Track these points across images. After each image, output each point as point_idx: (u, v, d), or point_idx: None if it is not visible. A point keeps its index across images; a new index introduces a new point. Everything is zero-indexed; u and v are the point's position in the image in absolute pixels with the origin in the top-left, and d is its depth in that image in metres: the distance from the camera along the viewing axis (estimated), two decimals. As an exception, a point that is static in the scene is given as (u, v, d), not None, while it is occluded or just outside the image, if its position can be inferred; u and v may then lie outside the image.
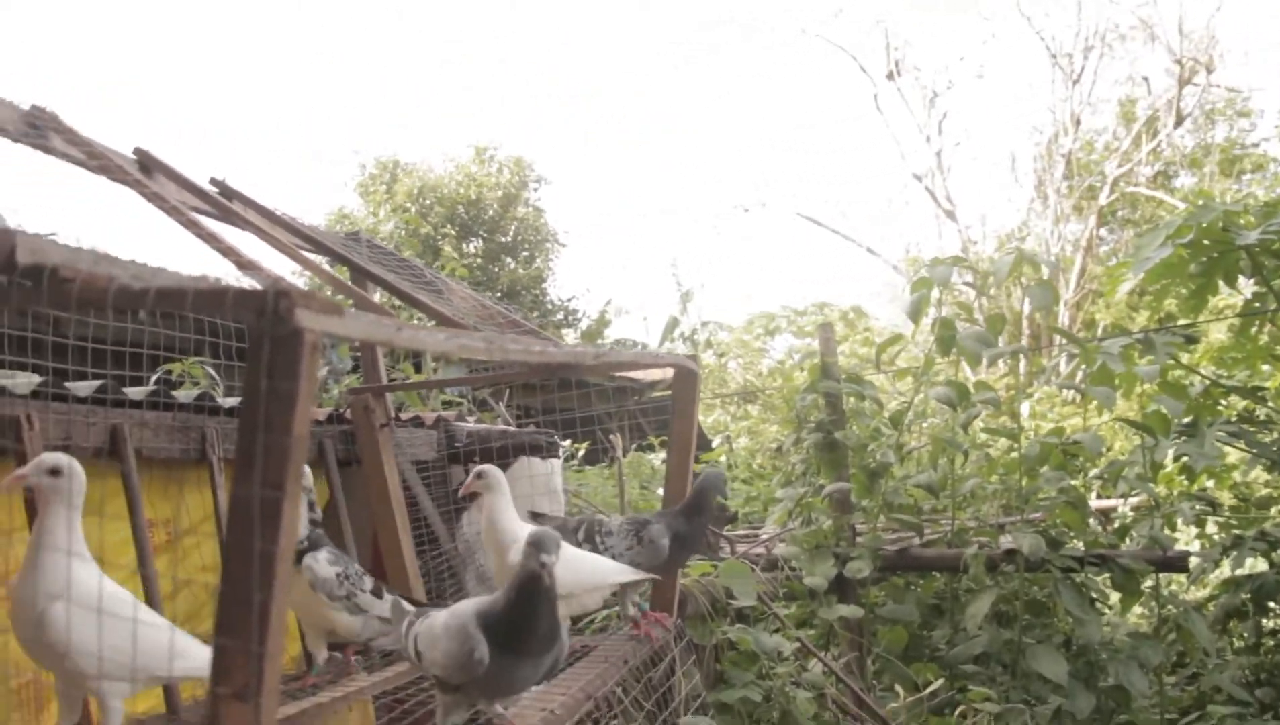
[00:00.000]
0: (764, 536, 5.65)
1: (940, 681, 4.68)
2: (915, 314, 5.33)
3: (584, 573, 2.72)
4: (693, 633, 4.14)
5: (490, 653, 1.84)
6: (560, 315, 30.04)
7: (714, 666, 4.22)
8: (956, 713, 4.38)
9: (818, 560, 5.15)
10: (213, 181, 3.11)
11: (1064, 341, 8.74)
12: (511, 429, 3.81)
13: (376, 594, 2.65)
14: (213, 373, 4.33)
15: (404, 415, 3.66)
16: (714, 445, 12.69)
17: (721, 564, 4.24)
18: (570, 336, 30.98)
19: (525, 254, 28.75)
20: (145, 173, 2.71)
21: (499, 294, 27.86)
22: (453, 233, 26.54)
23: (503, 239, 28.31)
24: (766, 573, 5.04)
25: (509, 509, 2.79)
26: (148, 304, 1.25)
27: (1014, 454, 5.46)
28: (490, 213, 27.84)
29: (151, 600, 2.44)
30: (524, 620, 1.85)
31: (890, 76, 22.05)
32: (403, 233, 26.78)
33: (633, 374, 22.16)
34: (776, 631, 4.40)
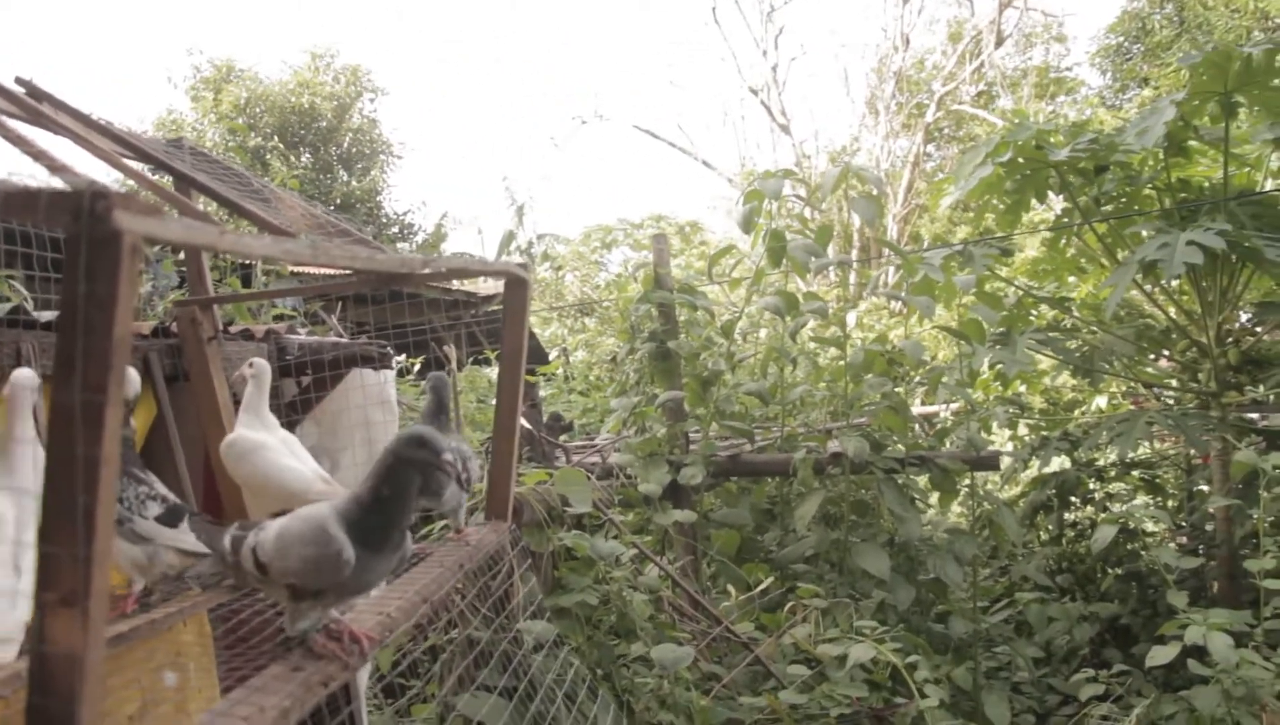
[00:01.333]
0: (599, 444, 5.72)
1: (771, 580, 4.87)
2: (747, 225, 5.43)
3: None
4: (529, 540, 4.19)
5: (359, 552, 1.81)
6: (396, 229, 29.40)
7: (552, 573, 4.29)
8: (786, 609, 4.56)
9: (652, 468, 5.25)
10: (18, 81, 2.91)
11: (889, 253, 9.03)
12: (344, 341, 3.74)
13: (169, 520, 2.46)
14: (21, 288, 4.11)
15: (233, 329, 3.54)
16: (550, 358, 12.73)
17: (557, 472, 4.28)
18: (406, 250, 30.38)
19: (360, 166, 27.94)
20: (-67, 69, 2.52)
21: (332, 207, 27.09)
22: (281, 146, 25.52)
23: (336, 150, 27.41)
24: (602, 480, 5.12)
25: (262, 404, 2.81)
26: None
27: (840, 362, 5.66)
28: (324, 123, 26.89)
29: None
30: (392, 515, 1.84)
31: (726, -11, 22.05)
32: (229, 143, 25.72)
33: (469, 287, 21.88)
34: (614, 537, 4.48)
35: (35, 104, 2.74)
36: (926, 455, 5.35)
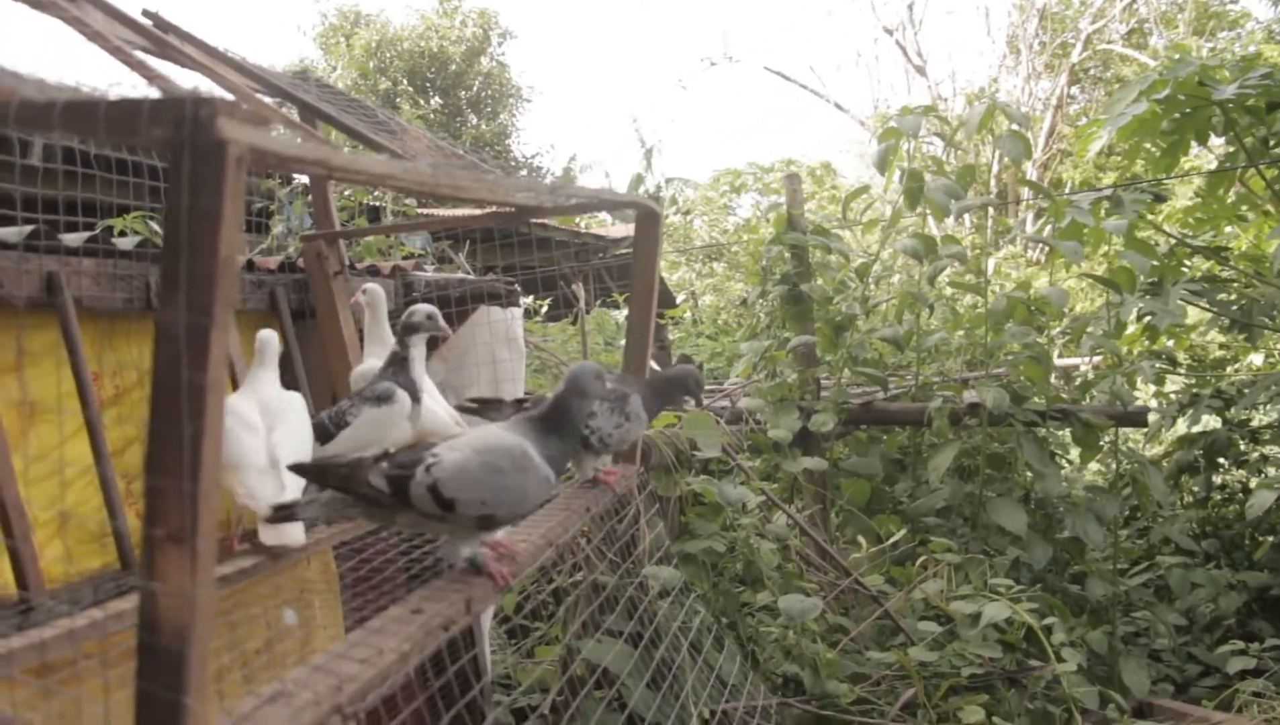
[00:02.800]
0: (728, 389, 5.62)
1: (902, 533, 4.73)
2: (882, 165, 5.22)
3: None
4: (656, 484, 4.13)
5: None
6: (524, 172, 29.57)
7: (679, 518, 4.22)
8: (917, 563, 4.42)
9: (782, 413, 5.13)
10: (145, 14, 2.91)
11: (1030, 198, 8.62)
12: (471, 277, 3.70)
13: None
14: (155, 226, 4.18)
15: (359, 266, 3.54)
16: (678, 302, 12.63)
17: (685, 415, 4.20)
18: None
19: (488, 110, 28.12)
20: (71, 1, 2.52)
21: (463, 151, 27.30)
22: (410, 89, 25.83)
23: (465, 94, 27.63)
24: (731, 425, 5.03)
25: (383, 330, 2.89)
26: (55, 119, 1.14)
27: (979, 309, 5.43)
28: (453, 67, 27.10)
29: (98, 450, 2.35)
30: (568, 439, 1.90)
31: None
32: (361, 87, 26.12)
33: (598, 229, 21.94)
34: (742, 484, 4.39)
35: (162, 35, 2.72)
36: (1069, 408, 5.10)
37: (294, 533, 2.41)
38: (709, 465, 4.27)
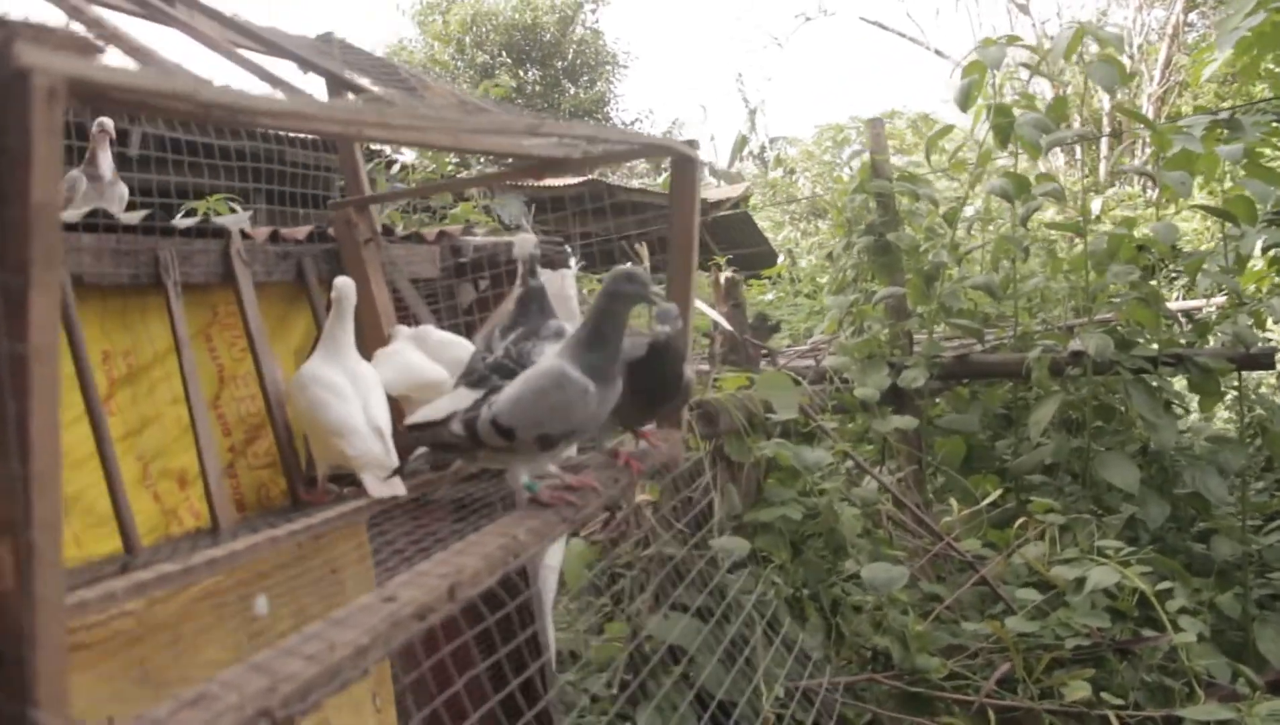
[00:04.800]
0: (811, 346, 5.34)
1: (1000, 493, 4.42)
2: (965, 101, 4.85)
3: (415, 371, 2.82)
4: (731, 449, 3.90)
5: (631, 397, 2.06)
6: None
7: (759, 484, 4.00)
8: (1016, 525, 4.12)
9: (871, 370, 4.85)
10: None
11: (1139, 130, 8.05)
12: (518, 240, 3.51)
13: None
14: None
15: (399, 232, 3.39)
16: (780, 261, 12.32)
17: (759, 376, 3.97)
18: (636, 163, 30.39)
19: (586, 78, 27.98)
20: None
21: (561, 120, 27.21)
22: (508, 61, 25.85)
23: (561, 64, 27.53)
24: (815, 385, 4.76)
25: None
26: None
27: (1081, 251, 5.03)
28: (548, 37, 27.01)
29: (99, 433, 2.23)
30: (611, 348, 1.98)
31: None
32: (459, 63, 26.25)
33: (703, 194, 21.60)
34: (830, 447, 4.14)
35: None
36: (1184, 353, 4.70)
37: (399, 485, 2.54)
38: (787, 427, 4.02)
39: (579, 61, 27.62)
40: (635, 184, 20.65)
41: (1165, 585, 3.63)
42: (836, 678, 3.65)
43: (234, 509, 2.64)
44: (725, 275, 4.38)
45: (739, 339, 4.28)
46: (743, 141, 29.09)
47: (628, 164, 26.15)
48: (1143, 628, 3.66)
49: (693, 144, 2.45)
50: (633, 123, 29.40)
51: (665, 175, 26.45)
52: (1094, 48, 4.68)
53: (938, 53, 21.49)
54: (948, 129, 5.48)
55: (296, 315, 2.94)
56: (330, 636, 1.46)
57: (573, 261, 3.34)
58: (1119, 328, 4.87)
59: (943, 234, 5.19)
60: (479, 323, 3.59)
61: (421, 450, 2.21)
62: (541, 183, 17.74)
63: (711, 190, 22.32)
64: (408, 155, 6.61)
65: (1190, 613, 3.83)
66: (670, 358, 2.14)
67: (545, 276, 3.44)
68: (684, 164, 2.43)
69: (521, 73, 26.23)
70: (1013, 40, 4.79)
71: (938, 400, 5.36)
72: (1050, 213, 6.09)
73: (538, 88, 26.64)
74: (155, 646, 2.18)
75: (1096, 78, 4.46)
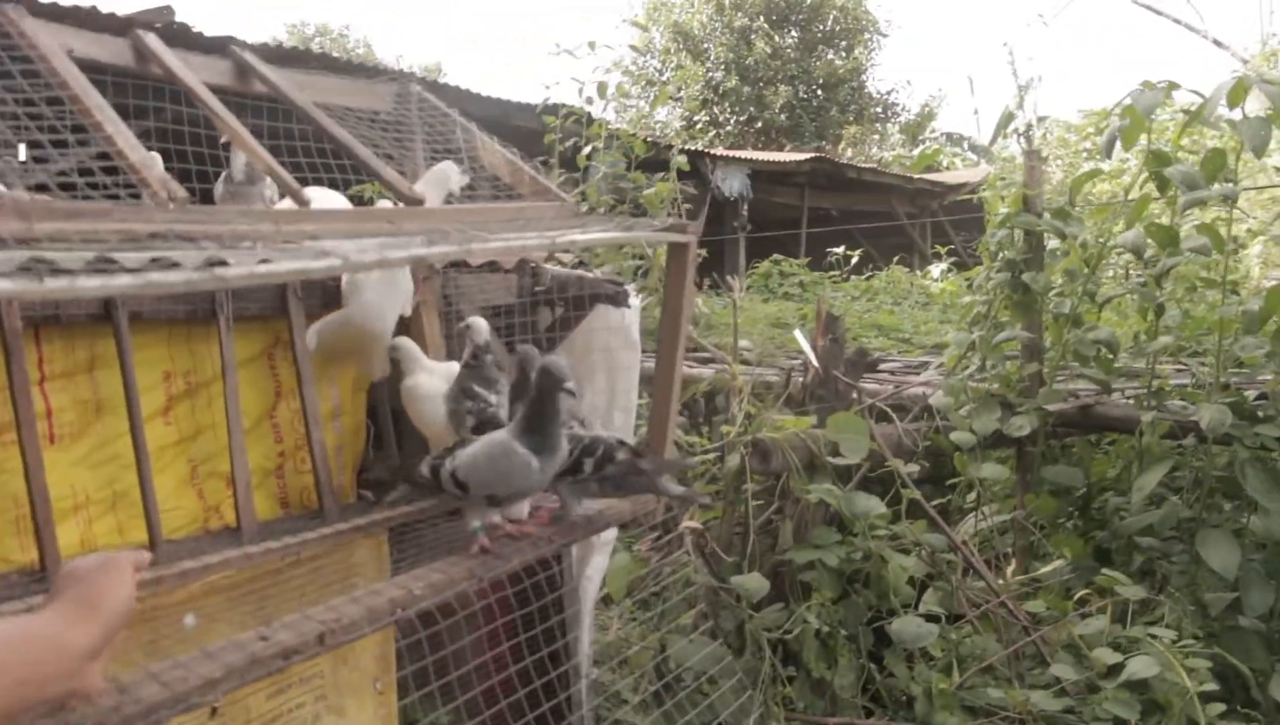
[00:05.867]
0: (915, 382, 5.31)
1: (1062, 558, 4.34)
2: (1108, 148, 4.68)
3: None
4: (794, 487, 4.03)
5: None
6: (879, 109, 28.89)
7: (818, 520, 4.12)
8: (1075, 598, 4.06)
9: (982, 413, 4.79)
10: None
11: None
12: (588, 276, 3.72)
13: None
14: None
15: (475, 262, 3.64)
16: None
17: (831, 417, 4.07)
18: (891, 131, 29.78)
19: (844, 44, 27.60)
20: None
21: (815, 86, 27.06)
22: (764, 26, 25.79)
23: (821, 29, 27.24)
24: (915, 422, 4.78)
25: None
26: None
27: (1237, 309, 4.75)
28: (809, 1, 26.76)
29: (137, 443, 2.63)
30: (547, 427, 2.37)
31: None
32: (717, 24, 26.42)
33: (935, 176, 20.95)
34: (895, 490, 4.18)
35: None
36: (1318, 434, 4.42)
37: None
38: (855, 469, 4.09)
39: (838, 27, 27.26)
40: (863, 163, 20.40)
41: (1207, 686, 3.51)
42: (856, 720, 3.77)
43: (279, 506, 3.04)
44: (826, 309, 4.45)
45: (830, 375, 4.36)
46: (1008, 117, 27.94)
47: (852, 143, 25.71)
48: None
49: (685, 229, 2.58)
50: (889, 93, 28.87)
51: (895, 154, 25.70)
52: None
53: (1216, 42, 19.94)
54: (1095, 172, 5.28)
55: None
56: (192, 667, 1.78)
57: (633, 300, 3.55)
58: (1266, 398, 4.64)
59: (1082, 277, 5.04)
60: (559, 341, 3.85)
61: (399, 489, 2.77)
62: (766, 156, 17.71)
63: (952, 174, 21.70)
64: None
65: (1246, 718, 3.71)
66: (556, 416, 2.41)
67: (606, 312, 3.69)
68: (680, 248, 2.59)
69: (778, 37, 26.15)
70: (1172, 87, 4.56)
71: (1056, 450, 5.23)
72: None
73: (793, 53, 26.49)
74: (168, 623, 2.59)
75: (1245, 136, 4.22)
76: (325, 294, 3.11)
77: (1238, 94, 4.39)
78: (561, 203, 2.87)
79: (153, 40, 3.02)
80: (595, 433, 2.85)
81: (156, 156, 3.16)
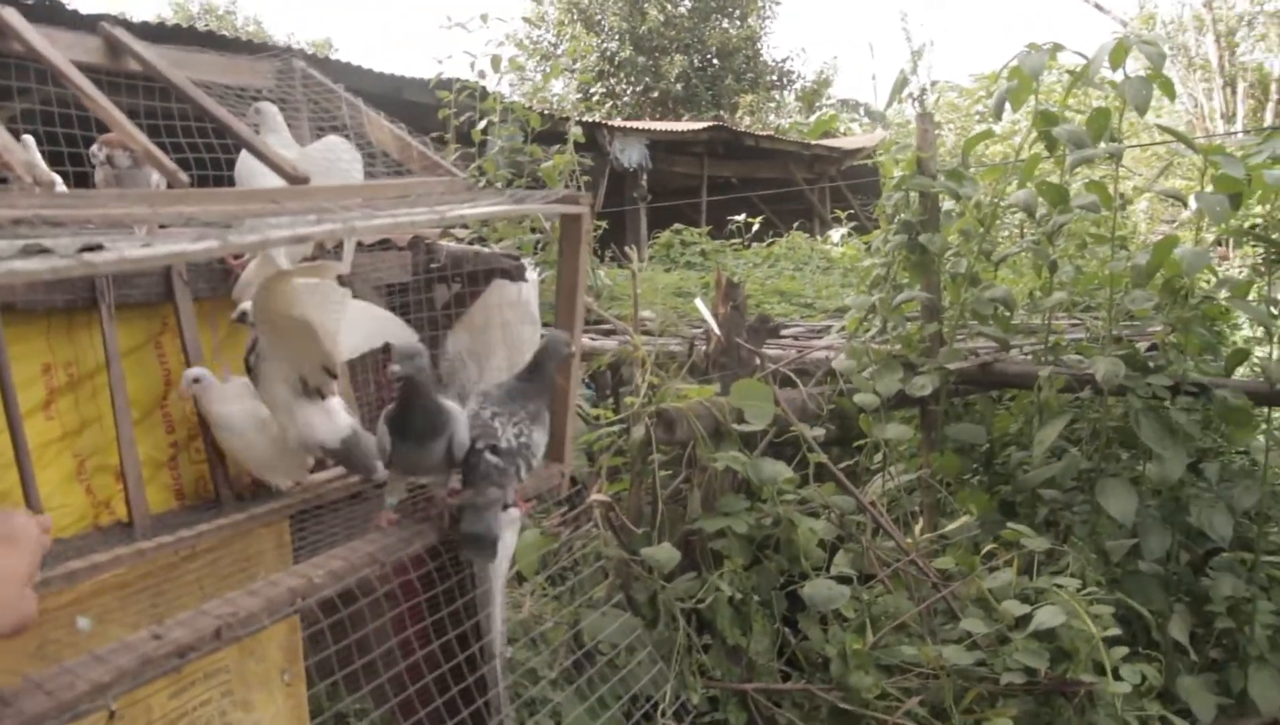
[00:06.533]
0: (818, 347, 5.34)
1: (968, 513, 4.41)
2: (998, 110, 4.75)
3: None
4: (702, 453, 4.01)
5: (394, 441, 2.44)
6: (774, 76, 29.03)
7: (722, 489, 4.10)
8: (983, 553, 4.12)
9: (884, 374, 4.83)
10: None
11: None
12: (484, 251, 3.65)
13: None
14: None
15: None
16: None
17: (734, 384, 4.05)
18: (787, 98, 29.97)
19: (737, 13, 27.64)
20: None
21: (709, 55, 27.06)
22: (659, -10, 25.75)
23: (714, -1, 27.25)
24: (819, 387, 4.81)
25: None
26: None
27: (1126, 264, 4.86)
28: (702, -31, 26.75)
29: (16, 441, 2.50)
30: (414, 412, 2.38)
31: None
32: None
33: (832, 142, 21.11)
34: (802, 454, 4.19)
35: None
36: (1208, 382, 4.54)
37: None
38: (762, 434, 4.09)
39: (731, -4, 27.30)
40: (759, 130, 20.51)
41: (1111, 631, 3.59)
42: (773, 684, 3.78)
43: (173, 498, 2.92)
44: (727, 276, 4.43)
45: (732, 342, 4.35)
46: (903, 82, 28.30)
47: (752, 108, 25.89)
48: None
49: (579, 200, 2.53)
50: (783, 61, 29.06)
51: (791, 120, 25.86)
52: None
53: (1098, 7, 20.51)
54: (986, 134, 5.35)
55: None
56: (80, 672, 1.68)
57: (530, 273, 3.48)
58: (1156, 349, 4.76)
59: (978, 237, 5.10)
60: (455, 318, 3.77)
61: None
62: (664, 126, 17.66)
63: (849, 139, 21.90)
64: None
65: (1148, 659, 3.81)
66: (416, 397, 2.38)
67: (503, 287, 3.62)
68: (573, 220, 2.53)
69: (670, 6, 26.09)
70: (1057, 49, 4.62)
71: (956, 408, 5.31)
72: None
73: (687, 21, 26.46)
74: (56, 627, 2.47)
75: (1128, 95, 4.30)
76: (213, 277, 2.99)
77: (1119, 54, 4.47)
78: (453, 178, 2.78)
79: (13, 16, 2.85)
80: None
81: (29, 140, 3.01)
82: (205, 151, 3.09)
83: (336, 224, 1.84)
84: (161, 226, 2.12)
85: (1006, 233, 5.63)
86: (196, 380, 2.73)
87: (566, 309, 2.62)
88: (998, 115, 4.82)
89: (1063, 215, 4.73)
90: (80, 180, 3.03)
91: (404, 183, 2.61)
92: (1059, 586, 3.75)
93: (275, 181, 2.58)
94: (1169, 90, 4.53)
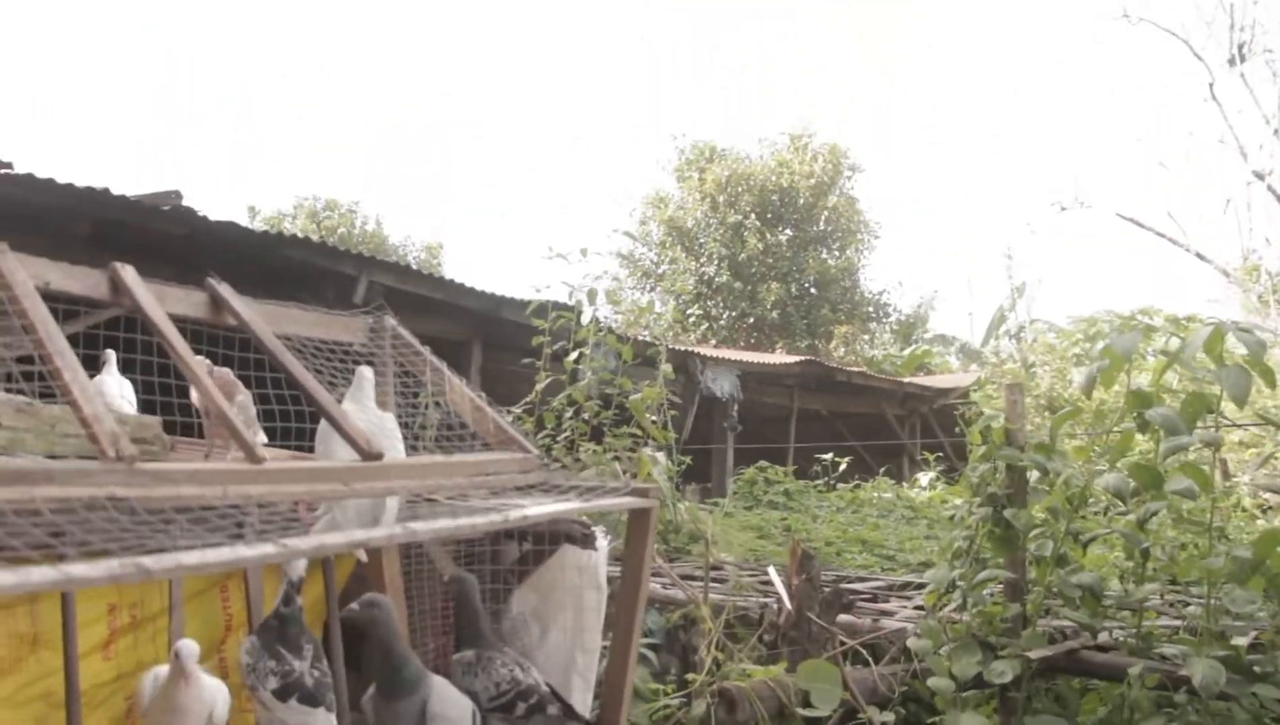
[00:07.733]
0: (888, 624, 5.12)
1: None
2: (1088, 388, 4.66)
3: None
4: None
5: None
6: (870, 308, 29.35)
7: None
8: None
9: (961, 655, 4.61)
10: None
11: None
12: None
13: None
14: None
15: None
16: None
17: (803, 664, 3.91)
18: (883, 330, 30.18)
19: (836, 245, 28.25)
20: None
21: (807, 284, 27.58)
22: (758, 223, 26.51)
23: (813, 228, 27.93)
24: (891, 665, 4.60)
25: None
26: None
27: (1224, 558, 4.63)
28: (801, 201, 27.54)
29: (70, 684, 2.51)
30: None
31: (1232, 62, 19.76)
32: (711, 220, 27.12)
33: (926, 380, 21.12)
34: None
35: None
36: (1319, 696, 4.23)
37: None
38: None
39: (830, 227, 27.97)
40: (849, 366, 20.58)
41: None
42: None
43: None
44: (803, 548, 4.34)
45: (803, 616, 4.22)
46: (1001, 318, 28.28)
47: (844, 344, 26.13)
48: None
49: (647, 494, 2.51)
50: (880, 293, 29.36)
51: (885, 353, 25.91)
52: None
53: (1199, 256, 20.48)
54: (1074, 412, 5.27)
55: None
56: None
57: (600, 542, 3.44)
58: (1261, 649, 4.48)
59: (1066, 513, 4.93)
60: (525, 575, 3.72)
61: None
62: (756, 357, 17.87)
63: (942, 377, 21.85)
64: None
65: None
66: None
67: (574, 553, 3.58)
68: (642, 514, 2.51)
69: (769, 235, 26.79)
70: (1149, 330, 4.58)
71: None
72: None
73: (785, 250, 27.10)
74: None
75: (1227, 385, 4.19)
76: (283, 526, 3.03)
77: (1214, 343, 4.38)
78: (525, 456, 2.79)
79: (129, 274, 3.00)
80: (534, 678, 2.75)
81: (126, 384, 3.16)
82: (291, 404, 3.17)
83: (395, 529, 1.84)
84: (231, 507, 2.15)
85: (1095, 508, 5.42)
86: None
87: (629, 601, 2.56)
88: (1087, 393, 4.73)
89: (1156, 502, 4.56)
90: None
91: (477, 461, 2.63)
92: None
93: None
94: (1270, 379, 4.41)
